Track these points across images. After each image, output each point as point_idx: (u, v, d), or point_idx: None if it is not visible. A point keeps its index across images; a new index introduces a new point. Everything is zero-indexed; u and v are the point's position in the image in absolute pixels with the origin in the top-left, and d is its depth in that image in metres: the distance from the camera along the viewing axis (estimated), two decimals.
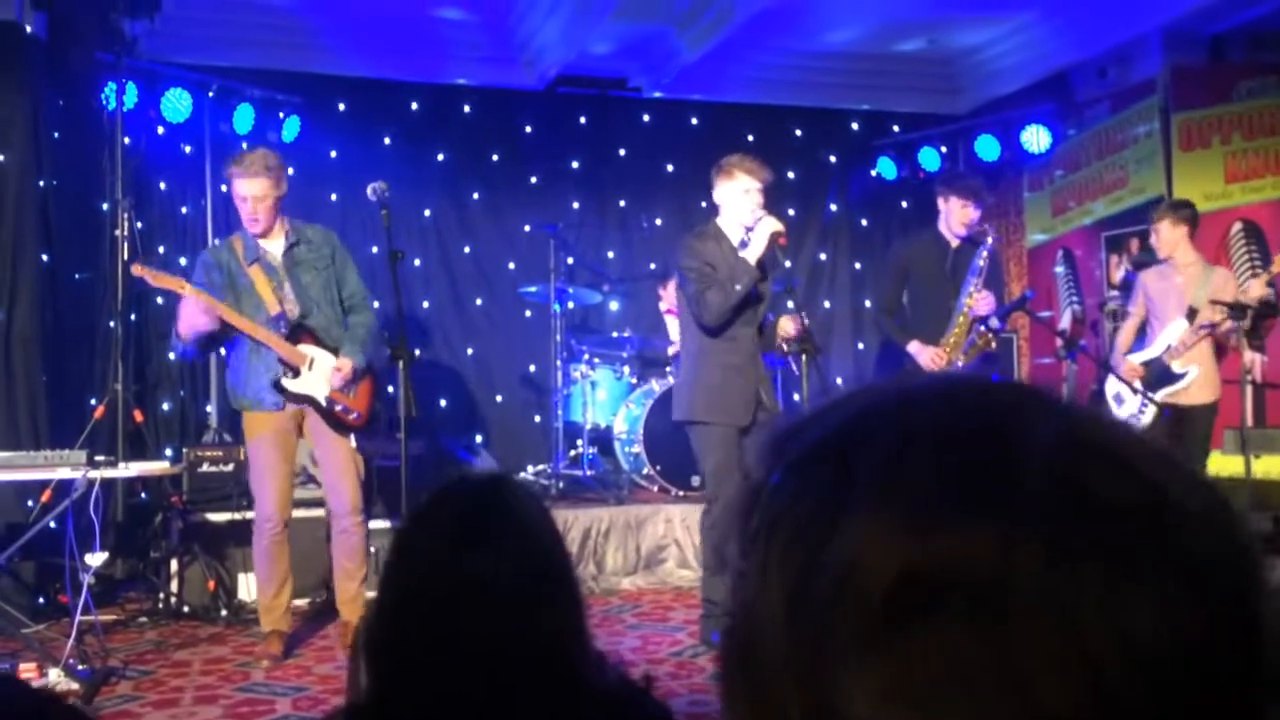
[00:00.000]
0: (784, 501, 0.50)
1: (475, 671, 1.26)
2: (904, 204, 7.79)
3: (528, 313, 7.04)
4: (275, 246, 4.31)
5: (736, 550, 0.53)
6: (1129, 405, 5.51)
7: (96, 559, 4.41)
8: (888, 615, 0.44)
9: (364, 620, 1.35)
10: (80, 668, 3.86)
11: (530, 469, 6.40)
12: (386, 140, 6.90)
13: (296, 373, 4.19)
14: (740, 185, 4.36)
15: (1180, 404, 5.40)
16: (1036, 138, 7.13)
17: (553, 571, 1.32)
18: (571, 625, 1.33)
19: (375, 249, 6.56)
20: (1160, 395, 5.39)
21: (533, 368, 7.12)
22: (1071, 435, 0.48)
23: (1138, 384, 5.46)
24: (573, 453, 6.40)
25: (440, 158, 7.06)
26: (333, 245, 4.42)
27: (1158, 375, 5.42)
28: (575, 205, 7.33)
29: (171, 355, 6.33)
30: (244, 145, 6.39)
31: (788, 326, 4.41)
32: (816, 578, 0.46)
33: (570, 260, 6.74)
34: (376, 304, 4.63)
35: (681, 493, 5.98)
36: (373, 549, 5.33)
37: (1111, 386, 5.60)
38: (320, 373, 4.24)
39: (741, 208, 4.36)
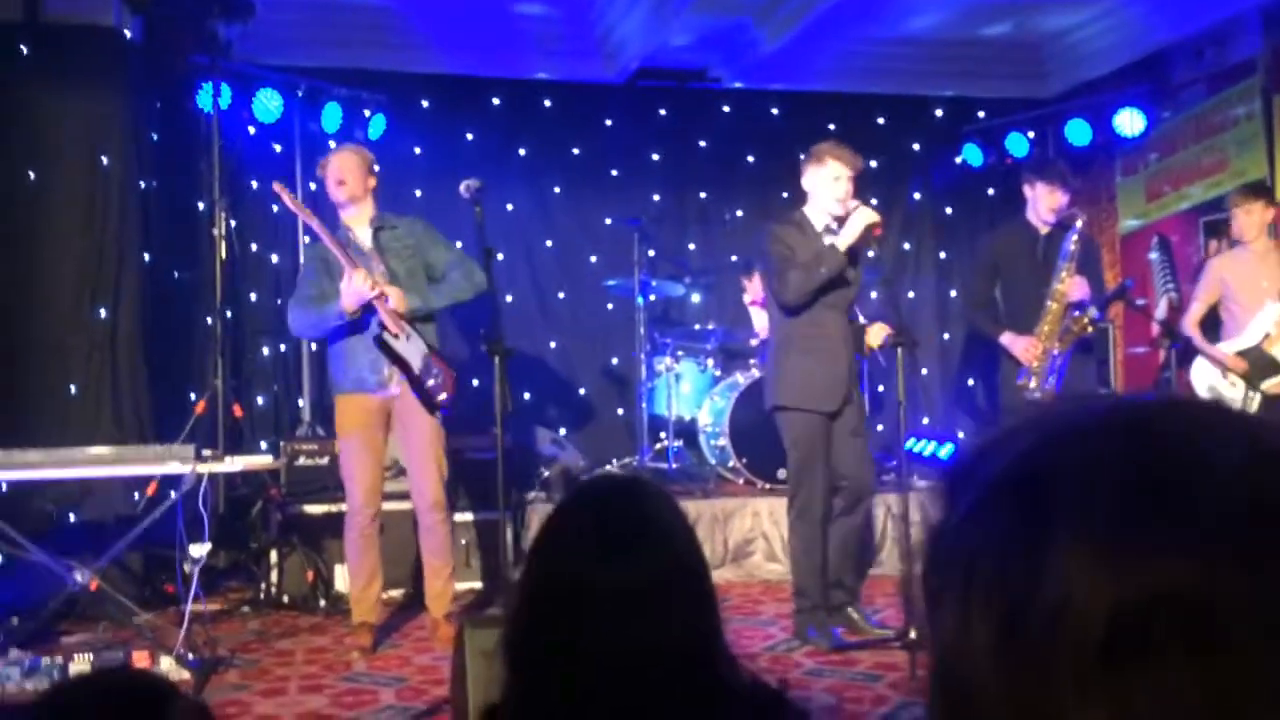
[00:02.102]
0: (978, 538, 0.49)
1: (615, 674, 1.26)
2: (990, 191, 7.65)
3: (610, 305, 7.06)
4: (363, 232, 4.41)
5: (926, 585, 0.53)
6: (1227, 398, 5.33)
7: (200, 550, 4.53)
8: (1105, 654, 0.44)
9: (504, 621, 1.36)
10: (190, 657, 3.97)
11: (615, 462, 6.42)
12: (469, 136, 6.96)
13: (395, 338, 4.27)
14: (830, 172, 4.33)
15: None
16: (1130, 121, 6.93)
17: (690, 573, 1.32)
18: (709, 627, 1.33)
19: (459, 244, 6.62)
20: (1268, 385, 5.22)
21: (615, 360, 7.14)
22: (1258, 449, 0.47)
23: (1238, 376, 5.29)
24: (657, 446, 6.40)
25: (522, 152, 7.11)
26: (416, 232, 4.48)
27: (1262, 365, 5.24)
28: (656, 198, 7.32)
29: (265, 350, 6.48)
30: (332, 144, 6.54)
31: (877, 337, 4.37)
32: (1027, 620, 0.46)
33: (651, 253, 6.73)
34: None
35: (768, 485, 5.95)
36: (464, 541, 5.44)
37: (1203, 378, 5.43)
38: (416, 349, 4.29)
39: (829, 195, 4.33)
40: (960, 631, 0.49)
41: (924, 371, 7.43)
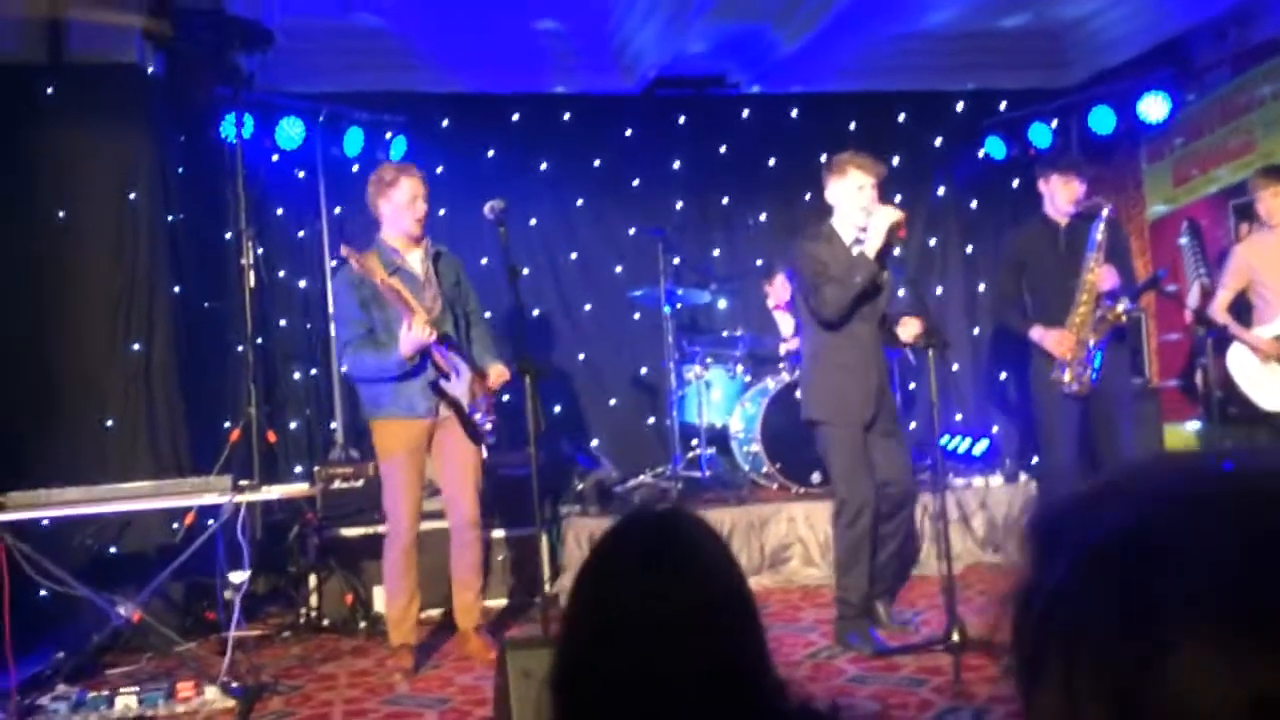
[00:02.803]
0: (1082, 611, 0.46)
1: (663, 701, 1.25)
2: (1014, 184, 7.57)
3: (636, 315, 7.06)
4: (414, 258, 4.42)
5: (1019, 645, 0.50)
6: (1266, 384, 5.24)
7: (239, 577, 4.57)
8: None
9: (552, 649, 1.36)
10: (234, 685, 4.00)
11: (649, 472, 6.41)
12: (490, 153, 6.98)
13: (446, 378, 4.30)
14: (854, 182, 4.30)
15: None
16: (1154, 106, 6.85)
17: (736, 603, 1.32)
18: (756, 655, 1.33)
19: (485, 260, 6.66)
20: None
21: (644, 370, 7.14)
22: None
23: (1273, 362, 5.21)
24: (690, 454, 6.39)
25: (543, 167, 7.12)
26: (459, 267, 4.60)
27: None
28: (679, 206, 7.32)
29: (296, 375, 6.53)
30: (354, 168, 6.58)
31: (912, 329, 4.34)
32: (1145, 709, 0.43)
33: (676, 261, 6.72)
34: (489, 314, 4.76)
35: (802, 490, 5.92)
36: (500, 558, 5.45)
37: (1240, 364, 5.34)
38: (464, 381, 4.33)
39: (854, 205, 4.31)
40: (1066, 712, 0.46)
41: (955, 367, 7.37)
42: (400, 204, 4.33)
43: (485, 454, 4.49)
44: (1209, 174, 6.92)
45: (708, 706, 1.25)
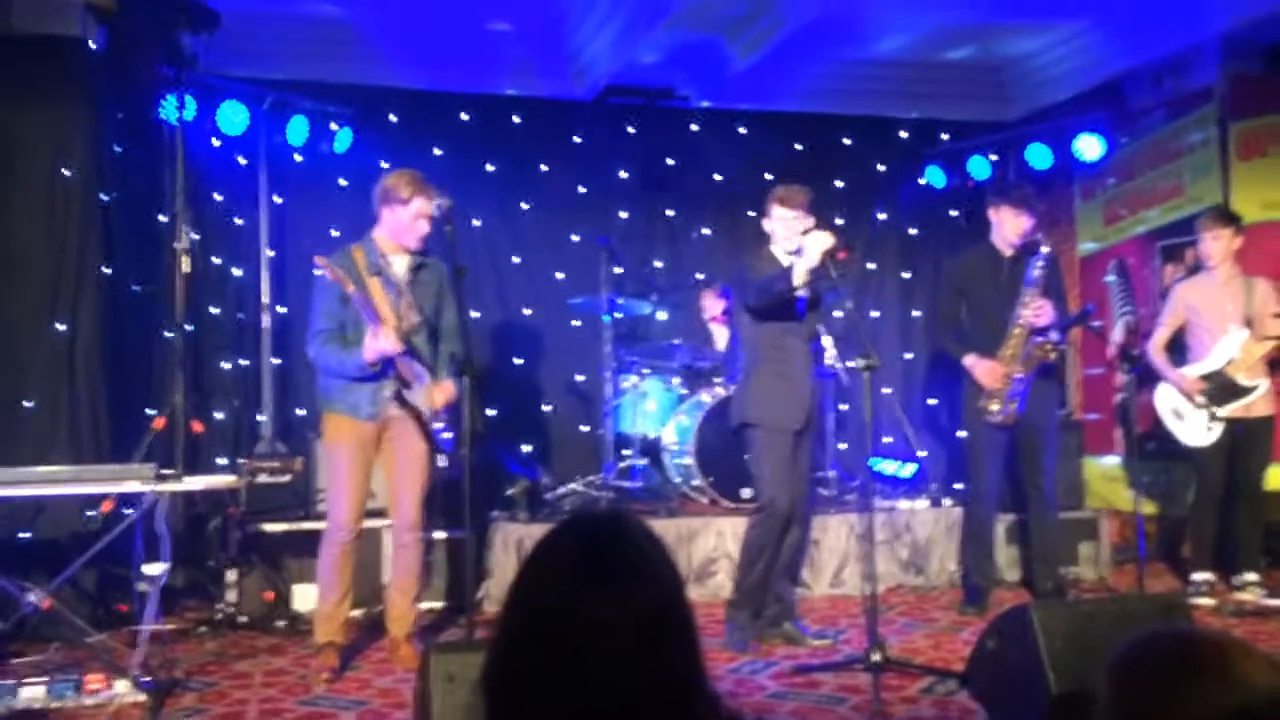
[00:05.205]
0: None
1: (595, 713, 1.25)
2: (953, 213, 7.72)
3: (576, 323, 7.04)
4: (400, 263, 4.37)
5: None
6: (1191, 421, 5.41)
7: (156, 569, 4.45)
8: None
9: (485, 654, 1.34)
10: (146, 679, 3.89)
11: (580, 480, 6.40)
12: (437, 151, 6.92)
13: (408, 386, 4.25)
14: (779, 216, 4.58)
15: (1245, 417, 5.32)
16: (1089, 146, 7.04)
17: (673, 611, 1.31)
18: (690, 665, 1.32)
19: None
20: (1229, 409, 5.31)
21: (581, 378, 7.12)
22: None
23: (1200, 399, 5.37)
24: (622, 464, 6.39)
25: (490, 168, 7.08)
26: (442, 277, 4.49)
27: (1224, 389, 5.33)
28: (624, 215, 7.32)
29: (225, 365, 6.40)
30: (297, 157, 6.47)
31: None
32: None
33: (619, 270, 6.72)
34: None
35: (733, 505, 5.96)
36: (430, 560, 5.38)
37: (1167, 402, 5.51)
38: (424, 390, 4.30)
39: (789, 234, 4.50)
40: None
41: (886, 391, 7.47)
42: (403, 221, 4.30)
43: (444, 463, 4.46)
44: (1138, 215, 7.13)
45: (643, 717, 1.25)
